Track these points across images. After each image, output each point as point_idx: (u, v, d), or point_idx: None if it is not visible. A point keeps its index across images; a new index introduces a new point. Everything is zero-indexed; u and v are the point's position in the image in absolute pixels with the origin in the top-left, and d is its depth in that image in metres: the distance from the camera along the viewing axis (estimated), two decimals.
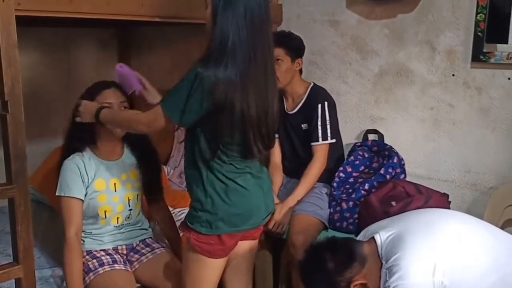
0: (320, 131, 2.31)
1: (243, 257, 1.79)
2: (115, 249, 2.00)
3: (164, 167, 2.85)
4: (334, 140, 2.36)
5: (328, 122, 2.32)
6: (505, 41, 2.08)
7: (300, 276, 1.73)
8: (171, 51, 3.13)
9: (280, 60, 2.32)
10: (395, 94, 2.42)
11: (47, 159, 2.62)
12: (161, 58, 2.95)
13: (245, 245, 1.75)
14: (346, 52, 2.54)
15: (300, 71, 2.44)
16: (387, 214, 2.04)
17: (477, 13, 2.11)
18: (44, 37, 2.62)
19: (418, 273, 1.49)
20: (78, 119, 1.82)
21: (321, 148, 2.33)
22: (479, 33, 2.12)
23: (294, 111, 2.42)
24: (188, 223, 1.63)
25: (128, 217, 2.00)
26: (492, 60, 2.11)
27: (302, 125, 2.39)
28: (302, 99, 2.40)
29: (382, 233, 1.64)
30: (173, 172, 3.18)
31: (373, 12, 2.42)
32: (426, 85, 2.32)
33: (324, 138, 2.32)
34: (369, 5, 2.40)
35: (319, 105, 2.32)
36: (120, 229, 2.00)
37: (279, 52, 2.32)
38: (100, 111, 1.75)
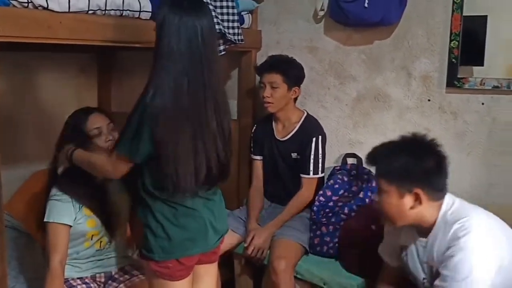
0: (312, 165, 2.33)
1: (203, 282, 1.79)
2: (93, 277, 1.97)
3: None
4: (323, 174, 2.38)
5: (320, 156, 2.34)
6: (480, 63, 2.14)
7: (377, 150, 1.61)
8: None
9: (275, 87, 2.33)
10: (373, 118, 2.45)
11: (23, 184, 2.57)
12: (144, 82, 2.94)
13: (204, 269, 1.76)
14: (325, 77, 2.58)
15: (295, 99, 2.44)
16: (367, 239, 2.06)
17: (450, 40, 2.17)
18: (22, 61, 2.60)
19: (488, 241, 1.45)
20: (59, 170, 1.84)
21: (310, 181, 2.35)
22: (453, 60, 2.18)
23: (285, 138, 2.42)
24: (144, 251, 1.63)
25: (110, 242, 1.97)
26: (466, 86, 2.16)
27: (292, 154, 2.40)
28: (294, 127, 2.40)
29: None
30: None
31: (350, 38, 2.47)
32: (403, 109, 2.36)
33: (315, 172, 2.34)
34: (346, 31, 2.45)
35: (314, 139, 2.33)
36: (100, 254, 1.97)
37: (276, 78, 2.33)
38: (73, 154, 1.77)
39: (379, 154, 1.57)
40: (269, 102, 2.35)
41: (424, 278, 1.62)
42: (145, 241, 1.62)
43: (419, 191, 1.48)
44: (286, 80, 2.34)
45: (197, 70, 1.53)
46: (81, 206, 1.87)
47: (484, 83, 2.12)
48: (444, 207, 1.53)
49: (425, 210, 1.52)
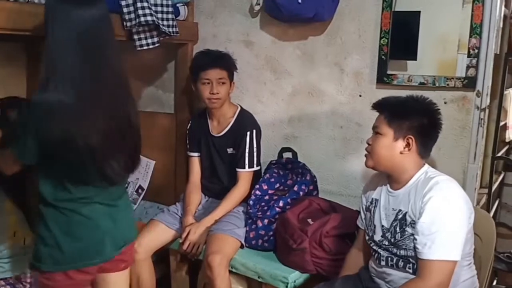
0: (247, 159, 2.34)
1: None
2: (18, 277, 1.89)
3: None
4: (259, 168, 2.40)
5: (255, 150, 2.35)
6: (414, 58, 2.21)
7: (385, 99, 1.82)
8: None
9: (224, 83, 2.33)
10: (308, 113, 2.48)
11: None
12: None
13: (113, 278, 1.68)
14: (261, 72, 2.59)
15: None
16: (304, 232, 2.09)
17: (380, 38, 2.23)
18: None
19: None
20: None
21: (246, 175, 2.36)
22: (383, 57, 2.24)
23: (221, 134, 2.41)
24: (33, 261, 1.55)
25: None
26: (395, 82, 2.23)
27: (228, 149, 2.40)
28: (229, 123, 2.40)
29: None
30: None
31: (285, 33, 2.48)
32: (336, 105, 2.40)
33: (251, 165, 2.35)
34: (282, 26, 2.47)
35: (248, 133, 2.34)
36: (25, 253, 1.89)
37: (223, 73, 2.33)
38: None
39: (387, 101, 1.80)
40: (218, 99, 2.34)
41: (382, 226, 1.75)
42: (35, 249, 1.54)
43: (411, 138, 1.69)
44: (229, 75, 2.37)
45: (92, 63, 1.46)
46: (2, 203, 1.78)
47: (411, 79, 2.20)
48: (425, 167, 1.74)
49: (410, 160, 1.71)
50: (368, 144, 1.78)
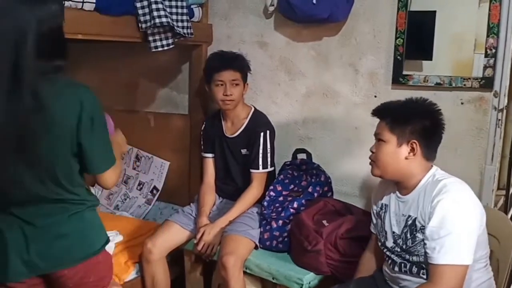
0: (261, 160, 2.34)
1: None
2: None
3: (92, 187, 2.75)
4: (273, 168, 2.40)
5: (269, 150, 2.35)
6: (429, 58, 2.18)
7: (385, 105, 1.79)
8: (98, 69, 3.06)
9: (237, 84, 2.34)
10: (322, 114, 2.48)
11: None
12: (89, 76, 2.88)
13: None
14: (275, 73, 2.59)
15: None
16: (319, 234, 2.08)
17: (396, 38, 2.22)
18: None
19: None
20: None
21: (260, 175, 2.36)
22: (398, 57, 2.22)
23: (234, 135, 2.42)
24: None
25: None
26: (410, 82, 2.21)
27: (242, 150, 2.40)
28: (243, 124, 2.40)
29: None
30: (101, 193, 3.08)
31: (300, 34, 2.48)
32: (350, 105, 2.39)
33: (264, 166, 2.35)
34: (296, 27, 2.46)
35: (262, 133, 2.34)
36: None
37: (236, 75, 2.34)
38: None
39: (387, 107, 1.76)
40: (231, 100, 2.34)
41: (393, 232, 1.73)
42: None
43: (415, 142, 1.65)
44: (243, 76, 2.37)
45: None
46: None
47: (427, 80, 2.17)
48: (433, 169, 1.70)
49: (416, 164, 1.68)
50: (372, 152, 1.74)
